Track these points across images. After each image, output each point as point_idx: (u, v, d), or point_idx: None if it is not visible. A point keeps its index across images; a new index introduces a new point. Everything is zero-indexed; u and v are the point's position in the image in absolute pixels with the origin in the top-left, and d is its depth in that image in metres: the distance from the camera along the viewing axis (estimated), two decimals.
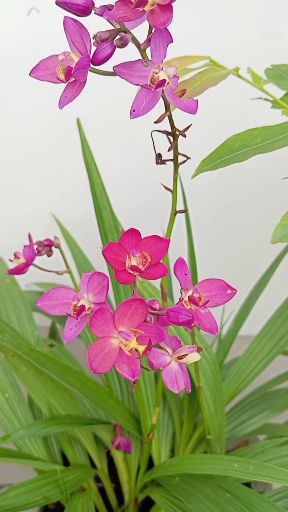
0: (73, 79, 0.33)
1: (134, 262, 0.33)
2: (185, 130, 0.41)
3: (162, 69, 0.32)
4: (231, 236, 0.90)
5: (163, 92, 0.34)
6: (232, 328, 0.76)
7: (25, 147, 0.81)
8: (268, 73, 0.51)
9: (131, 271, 0.33)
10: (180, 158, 0.44)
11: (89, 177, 0.63)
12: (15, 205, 0.87)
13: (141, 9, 0.31)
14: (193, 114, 0.32)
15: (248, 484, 0.69)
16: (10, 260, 0.54)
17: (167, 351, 0.35)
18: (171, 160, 0.44)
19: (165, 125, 0.41)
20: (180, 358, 0.34)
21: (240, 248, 0.91)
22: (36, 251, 0.54)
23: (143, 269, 0.32)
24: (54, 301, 0.37)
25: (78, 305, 0.34)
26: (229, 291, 0.36)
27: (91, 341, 0.69)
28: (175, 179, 0.45)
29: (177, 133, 0.41)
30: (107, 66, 0.35)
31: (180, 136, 0.42)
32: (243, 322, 0.74)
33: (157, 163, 0.43)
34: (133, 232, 0.33)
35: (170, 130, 0.41)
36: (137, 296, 0.31)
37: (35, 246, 0.54)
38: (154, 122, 0.38)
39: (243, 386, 0.66)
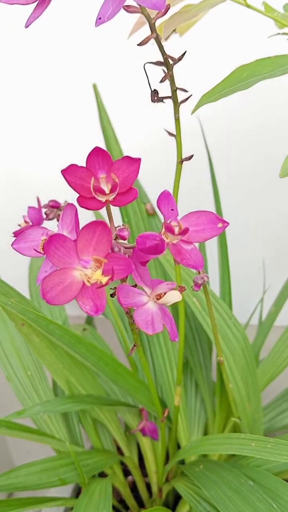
0: None
1: (101, 185, 0.29)
2: (181, 58, 0.37)
3: None
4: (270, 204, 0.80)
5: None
6: (272, 311, 0.69)
7: (37, 118, 0.78)
8: (287, 8, 0.46)
9: (98, 197, 0.29)
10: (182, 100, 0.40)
11: (106, 144, 0.60)
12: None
13: None
14: (160, 10, 0.27)
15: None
16: (19, 225, 0.52)
17: (144, 291, 0.30)
18: (169, 97, 0.39)
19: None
20: (158, 298, 0.30)
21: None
22: (45, 215, 0.52)
23: (107, 192, 0.28)
24: (30, 242, 0.34)
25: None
26: (220, 225, 0.31)
27: (119, 323, 0.65)
28: (177, 120, 0.40)
29: (171, 61, 0.37)
30: None
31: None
32: (283, 303, 0.67)
33: (152, 100, 0.39)
34: (101, 153, 0.29)
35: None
36: (99, 219, 0.27)
37: (44, 210, 0.52)
38: (138, 44, 0.34)
39: (282, 369, 0.60)
